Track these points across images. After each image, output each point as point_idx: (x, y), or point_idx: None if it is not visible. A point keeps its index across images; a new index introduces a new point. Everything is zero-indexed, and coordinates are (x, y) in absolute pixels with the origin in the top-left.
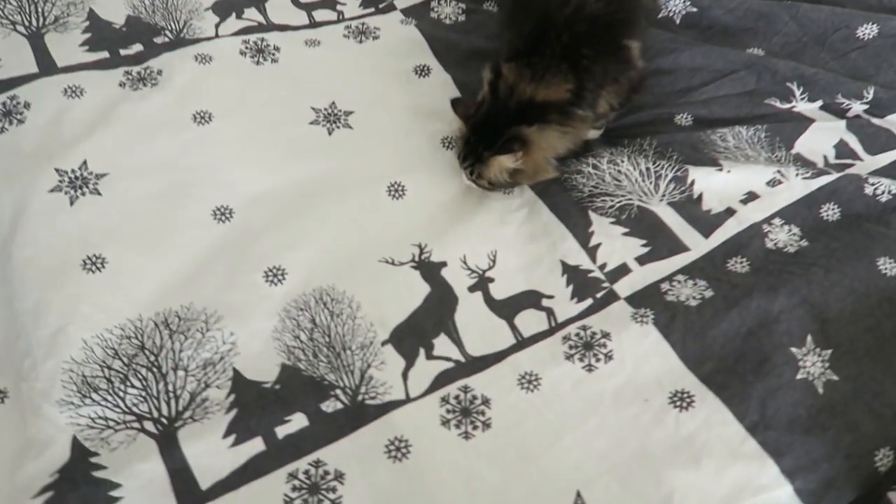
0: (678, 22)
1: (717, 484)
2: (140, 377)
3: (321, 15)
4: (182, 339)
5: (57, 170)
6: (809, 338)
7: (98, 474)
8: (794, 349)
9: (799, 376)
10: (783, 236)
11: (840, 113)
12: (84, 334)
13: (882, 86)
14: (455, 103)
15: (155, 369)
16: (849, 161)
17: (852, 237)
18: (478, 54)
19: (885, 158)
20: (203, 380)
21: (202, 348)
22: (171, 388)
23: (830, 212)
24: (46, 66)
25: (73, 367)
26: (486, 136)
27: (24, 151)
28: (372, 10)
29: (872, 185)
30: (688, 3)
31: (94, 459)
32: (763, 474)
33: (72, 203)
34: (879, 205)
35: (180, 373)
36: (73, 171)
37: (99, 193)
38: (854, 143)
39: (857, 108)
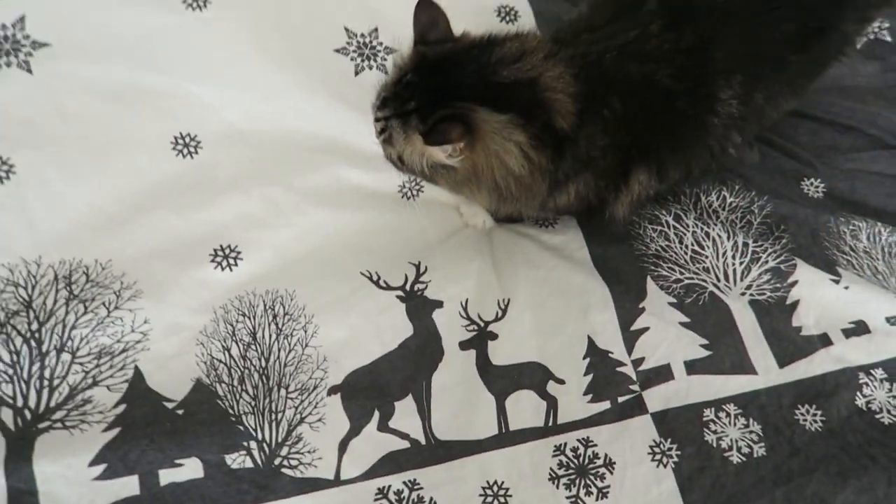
0: (858, 47)
1: None
2: (12, 348)
3: None
4: (80, 311)
5: None
6: None
7: None
8: None
9: None
10: (881, 396)
11: None
12: None
13: None
14: (422, 6)
15: (34, 342)
16: None
17: None
18: None
19: None
20: (92, 373)
21: (102, 330)
22: (47, 373)
23: None
24: None
25: None
26: (430, 89)
27: None
28: None
29: None
30: (883, 27)
31: None
32: None
33: None
34: None
35: (65, 356)
36: (4, 27)
37: (29, 70)
38: None
39: None
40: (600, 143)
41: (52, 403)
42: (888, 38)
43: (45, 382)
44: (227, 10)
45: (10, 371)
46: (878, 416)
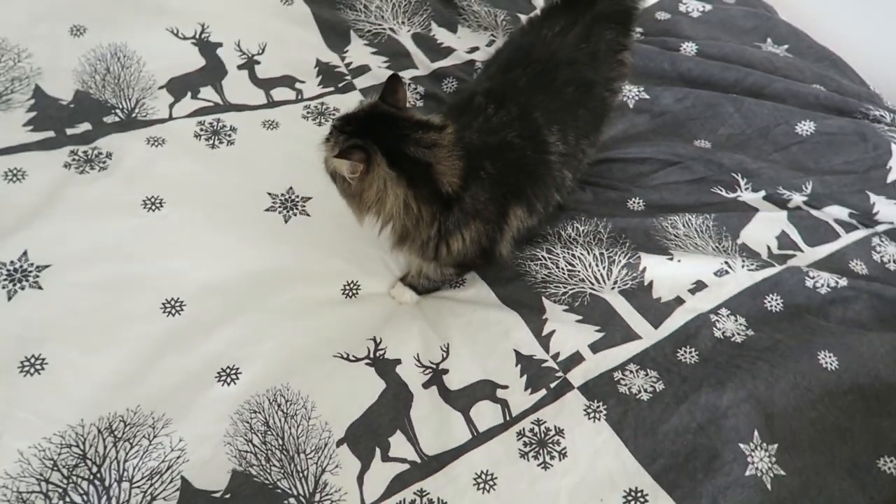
0: (631, 107)
1: None
2: (81, 491)
3: (280, 94)
4: (127, 448)
5: None
6: (756, 433)
7: None
8: (742, 445)
9: (748, 472)
10: (730, 326)
11: (782, 203)
12: (20, 444)
13: (819, 180)
14: (392, 81)
15: (97, 482)
16: (790, 252)
17: (794, 329)
18: None
19: (823, 251)
20: (149, 491)
21: (148, 456)
22: (114, 501)
23: (774, 303)
24: None
25: (8, 482)
26: (364, 128)
27: None
28: (331, 89)
29: (812, 278)
30: (641, 90)
31: None
32: None
33: (10, 298)
34: (819, 297)
35: (125, 485)
36: (12, 262)
37: (40, 287)
38: (794, 234)
39: (798, 199)
40: (482, 197)
41: None
42: (647, 96)
43: None
44: (177, 206)
45: None
46: (732, 339)
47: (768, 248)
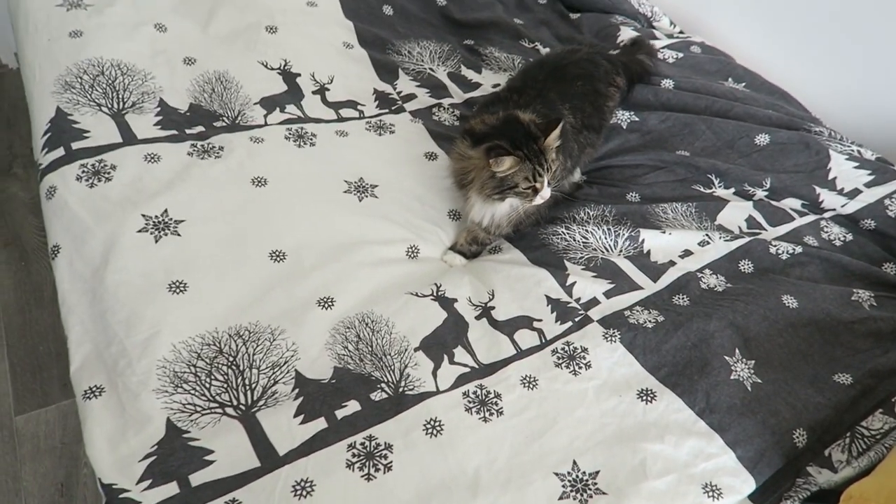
0: (625, 127)
1: (677, 452)
2: (222, 373)
3: (346, 112)
4: (254, 346)
5: (143, 215)
6: (737, 350)
7: (192, 444)
8: (727, 357)
9: (732, 377)
10: (713, 280)
11: (748, 197)
12: (173, 339)
13: (776, 178)
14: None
15: (234, 367)
16: (756, 230)
17: (763, 282)
18: None
19: (783, 229)
20: (272, 377)
21: (271, 353)
22: (247, 382)
23: (746, 265)
24: (128, 137)
25: (165, 364)
26: (521, 140)
27: (112, 200)
28: (386, 110)
29: (775, 246)
30: (632, 114)
31: (186, 435)
32: (712, 445)
33: (156, 241)
34: (781, 261)
35: (254, 371)
36: (156, 216)
37: (178, 234)
38: (760, 217)
39: (760, 193)
40: None
41: (255, 398)
42: (637, 119)
43: (248, 387)
44: (278, 184)
45: (225, 385)
46: (715, 289)
47: (739, 227)
